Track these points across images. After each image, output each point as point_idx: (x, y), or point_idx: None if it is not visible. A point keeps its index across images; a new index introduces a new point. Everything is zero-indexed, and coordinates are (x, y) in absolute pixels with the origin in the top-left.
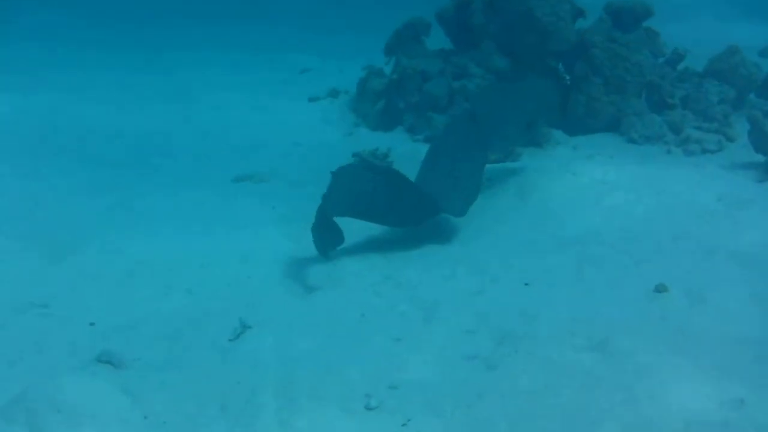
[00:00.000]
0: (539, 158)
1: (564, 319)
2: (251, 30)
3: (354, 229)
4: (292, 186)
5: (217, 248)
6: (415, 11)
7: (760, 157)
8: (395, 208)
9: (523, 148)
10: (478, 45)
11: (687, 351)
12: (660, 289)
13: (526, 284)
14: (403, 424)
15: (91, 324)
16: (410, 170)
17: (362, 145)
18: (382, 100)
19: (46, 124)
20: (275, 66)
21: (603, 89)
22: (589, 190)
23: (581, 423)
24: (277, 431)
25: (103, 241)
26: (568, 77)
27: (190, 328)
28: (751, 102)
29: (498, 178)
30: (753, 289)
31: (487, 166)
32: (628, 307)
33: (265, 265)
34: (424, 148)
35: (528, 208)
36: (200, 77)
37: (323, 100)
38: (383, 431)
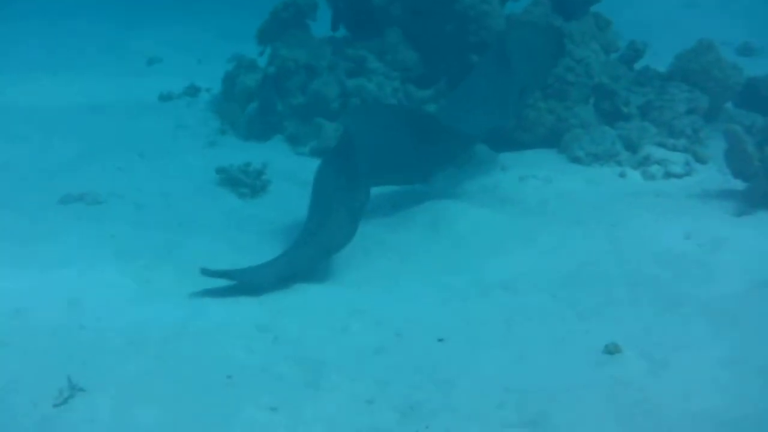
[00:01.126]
0: (457, 180)
1: (489, 387)
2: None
3: (220, 263)
4: (136, 209)
5: (36, 289)
6: None
7: (739, 184)
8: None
9: None
10: (380, 32)
11: (643, 431)
12: (611, 349)
13: (441, 340)
14: None
15: None
16: (293, 192)
17: (229, 158)
18: (255, 101)
19: None
20: (113, 55)
21: (539, 94)
22: (521, 223)
23: None
24: None
25: None
26: None
27: (4, 390)
28: (728, 113)
29: (405, 205)
30: (726, 351)
31: (394, 188)
32: (569, 373)
33: (102, 311)
34: (310, 164)
35: (442, 244)
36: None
37: (178, 100)
38: None
